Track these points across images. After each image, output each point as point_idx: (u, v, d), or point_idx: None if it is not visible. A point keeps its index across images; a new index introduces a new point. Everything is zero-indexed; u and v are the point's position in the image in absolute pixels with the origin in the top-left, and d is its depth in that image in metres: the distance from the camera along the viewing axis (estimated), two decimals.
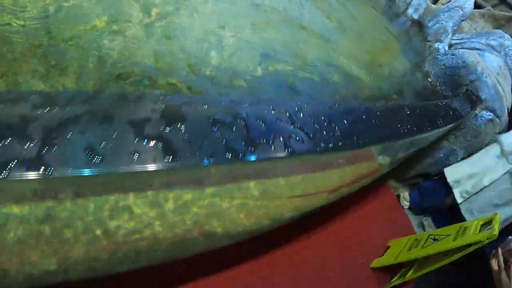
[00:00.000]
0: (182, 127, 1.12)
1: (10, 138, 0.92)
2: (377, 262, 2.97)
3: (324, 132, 1.51)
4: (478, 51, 5.16)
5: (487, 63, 4.53)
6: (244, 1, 2.79)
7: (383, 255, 3.03)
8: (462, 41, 4.64)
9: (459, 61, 3.72)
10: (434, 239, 2.80)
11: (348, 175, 2.31)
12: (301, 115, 1.48)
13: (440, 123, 2.69)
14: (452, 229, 2.72)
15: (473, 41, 5.38)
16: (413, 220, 3.72)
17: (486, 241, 2.34)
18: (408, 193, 3.90)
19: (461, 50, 3.82)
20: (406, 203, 3.84)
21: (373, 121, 1.90)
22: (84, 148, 0.99)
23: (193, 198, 1.33)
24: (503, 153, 3.29)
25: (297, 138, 1.38)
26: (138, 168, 1.02)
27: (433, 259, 2.71)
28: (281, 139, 1.32)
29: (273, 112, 1.38)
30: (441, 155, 3.74)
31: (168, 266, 1.76)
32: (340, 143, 1.55)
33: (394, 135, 2.07)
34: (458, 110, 3.09)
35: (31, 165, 0.92)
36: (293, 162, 1.51)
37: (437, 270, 2.65)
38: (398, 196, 3.91)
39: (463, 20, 6.23)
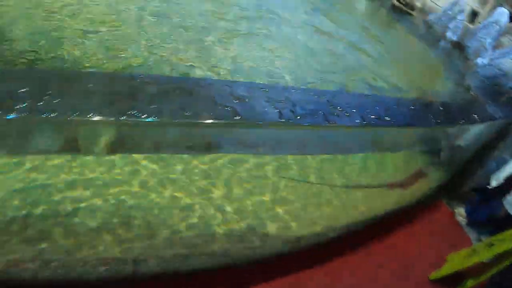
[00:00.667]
0: None
1: None
2: (435, 274, 2.93)
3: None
4: None
5: None
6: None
7: (441, 268, 2.98)
8: (502, 54, 4.62)
9: (497, 71, 3.72)
10: (490, 245, 2.76)
11: None
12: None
13: (468, 120, 2.73)
14: (507, 234, 2.68)
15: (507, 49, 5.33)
16: (472, 235, 3.63)
17: None
18: (464, 208, 3.82)
19: (498, 61, 3.81)
20: (462, 219, 3.76)
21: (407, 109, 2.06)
22: None
23: None
24: None
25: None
26: None
27: (490, 266, 2.68)
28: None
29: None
30: (493, 166, 3.67)
31: None
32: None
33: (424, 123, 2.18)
34: (492, 114, 3.10)
35: None
36: None
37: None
38: (454, 212, 3.84)
39: (501, 35, 6.22)
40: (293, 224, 2.74)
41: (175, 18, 4.42)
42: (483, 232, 3.70)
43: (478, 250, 2.84)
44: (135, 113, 1.33)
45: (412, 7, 7.86)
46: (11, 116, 1.18)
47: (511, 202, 3.26)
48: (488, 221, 3.66)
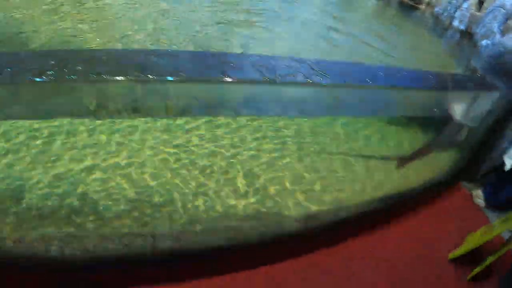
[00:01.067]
0: None
1: None
2: (454, 254, 2.93)
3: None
4: None
5: None
6: None
7: (459, 247, 2.98)
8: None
9: (501, 49, 3.70)
10: (507, 219, 2.76)
11: None
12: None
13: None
14: None
15: None
16: (491, 218, 3.59)
17: None
18: (481, 190, 3.78)
19: (502, 39, 3.81)
20: (480, 201, 3.72)
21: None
22: None
23: None
24: None
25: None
26: None
27: (508, 242, 2.69)
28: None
29: None
30: (506, 145, 3.64)
31: None
32: None
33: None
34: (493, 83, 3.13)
35: None
36: None
37: None
38: (471, 195, 3.81)
39: (509, 19, 6.17)
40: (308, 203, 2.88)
41: None
42: (502, 214, 3.66)
43: (495, 226, 2.84)
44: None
45: (419, 1, 7.89)
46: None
47: None
48: (508, 203, 3.62)
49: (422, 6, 7.89)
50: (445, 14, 6.94)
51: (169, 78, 1.58)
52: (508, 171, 3.52)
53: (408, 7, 7.81)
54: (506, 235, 2.95)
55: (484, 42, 4.46)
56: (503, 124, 3.71)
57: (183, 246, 2.45)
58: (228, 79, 1.69)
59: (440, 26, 6.92)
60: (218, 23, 5.27)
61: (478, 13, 6.93)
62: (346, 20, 6.30)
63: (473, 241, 2.90)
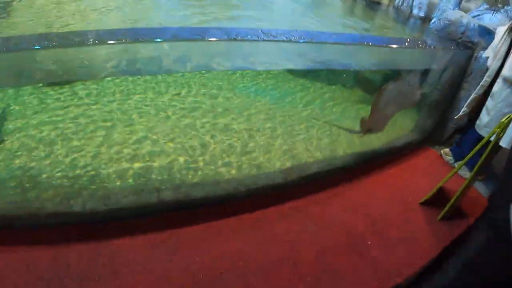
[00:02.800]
0: None
1: None
2: (424, 198, 3.34)
3: None
4: (478, 16, 5.57)
5: (486, 20, 4.99)
6: None
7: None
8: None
9: (445, 22, 4.16)
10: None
11: None
12: None
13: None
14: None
15: (473, 12, 5.81)
16: (461, 172, 3.97)
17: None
18: (449, 148, 4.19)
19: (445, 14, 4.26)
20: (449, 158, 4.12)
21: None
22: None
23: None
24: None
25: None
26: None
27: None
28: None
29: None
30: (464, 103, 4.06)
31: None
32: None
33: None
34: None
35: None
36: None
37: None
38: (441, 155, 4.22)
39: (461, 0, 6.67)
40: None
41: None
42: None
43: (457, 167, 3.25)
44: None
45: None
46: None
47: (480, 126, 3.64)
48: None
49: (385, 1, 8.39)
50: (405, 4, 7.45)
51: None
52: (467, 127, 3.94)
53: (372, 3, 8.31)
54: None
55: (434, 20, 4.91)
56: (457, 86, 4.16)
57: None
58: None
59: (402, 16, 7.41)
60: None
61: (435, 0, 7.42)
62: (317, 16, 6.77)
63: (439, 184, 3.31)
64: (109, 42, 1.98)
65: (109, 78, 4.03)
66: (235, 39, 2.22)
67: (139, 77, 4.23)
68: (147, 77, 4.31)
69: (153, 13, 5.50)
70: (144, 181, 2.90)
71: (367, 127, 3.44)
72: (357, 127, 3.57)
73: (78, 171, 2.91)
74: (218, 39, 2.19)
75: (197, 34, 2.20)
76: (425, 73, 3.93)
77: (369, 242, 2.79)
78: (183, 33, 2.24)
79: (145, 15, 5.31)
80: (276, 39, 2.31)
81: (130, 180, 2.92)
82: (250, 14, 6.39)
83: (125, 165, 3.07)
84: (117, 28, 2.21)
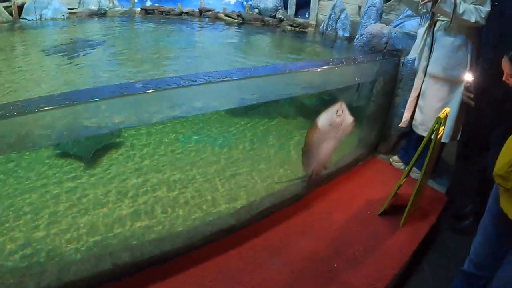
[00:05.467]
0: None
1: None
2: (382, 209, 3.31)
3: None
4: (399, 24, 5.81)
5: (408, 26, 5.22)
6: None
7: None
8: None
9: (367, 36, 4.28)
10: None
11: None
12: None
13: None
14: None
15: (394, 22, 6.08)
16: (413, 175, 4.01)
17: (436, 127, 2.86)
18: (397, 155, 4.23)
19: (366, 29, 4.39)
20: (399, 164, 4.16)
21: None
22: None
23: None
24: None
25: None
26: None
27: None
28: None
29: None
30: (402, 110, 4.14)
31: None
32: None
33: None
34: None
35: None
36: None
37: None
38: (390, 162, 4.26)
39: (387, 14, 7.01)
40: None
41: None
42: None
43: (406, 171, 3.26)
44: None
45: (304, 26, 8.68)
46: None
47: (416, 125, 3.72)
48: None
49: (311, 29, 8.67)
50: (329, 28, 7.71)
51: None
52: (410, 131, 4.01)
53: (299, 33, 8.55)
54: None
55: (356, 37, 5.10)
56: (391, 94, 4.25)
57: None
58: None
59: (328, 40, 7.66)
60: None
61: (358, 18, 7.73)
62: (249, 56, 6.87)
63: (393, 191, 3.30)
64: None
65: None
66: (155, 90, 2.15)
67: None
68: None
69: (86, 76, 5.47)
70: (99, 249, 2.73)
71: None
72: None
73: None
74: (137, 92, 2.11)
75: (115, 91, 2.10)
76: (356, 89, 4.01)
77: (335, 265, 2.70)
78: (101, 92, 2.12)
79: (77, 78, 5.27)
80: (195, 83, 2.26)
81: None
82: (185, 62, 6.46)
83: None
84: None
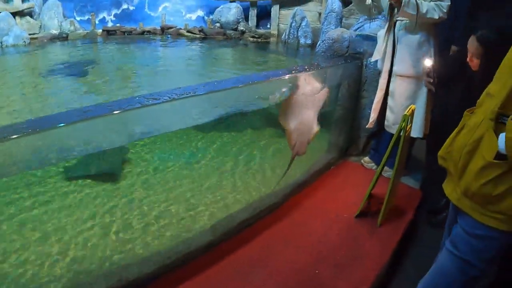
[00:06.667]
0: None
1: None
2: (357, 211, 3.33)
3: None
4: (359, 28, 5.92)
5: (367, 29, 5.32)
6: None
7: None
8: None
9: (329, 41, 4.34)
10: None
11: None
12: None
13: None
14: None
15: (354, 26, 6.19)
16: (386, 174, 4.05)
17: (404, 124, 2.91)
18: (368, 156, 4.28)
19: (327, 34, 4.45)
20: (371, 165, 4.20)
21: None
22: None
23: None
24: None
25: None
26: None
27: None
28: None
29: None
30: (369, 111, 4.19)
31: None
32: None
33: None
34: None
35: None
36: None
37: None
38: (362, 164, 4.30)
39: (346, 18, 7.13)
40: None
41: None
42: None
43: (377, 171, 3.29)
44: None
45: (266, 36, 8.74)
46: None
47: (389, 125, 3.78)
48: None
49: (273, 39, 8.73)
50: (291, 37, 7.79)
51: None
52: (379, 131, 4.06)
53: (262, 44, 8.60)
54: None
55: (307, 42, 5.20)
56: (357, 96, 4.30)
57: None
58: None
59: (291, 48, 7.73)
60: None
61: (319, 25, 7.83)
62: (213, 72, 6.85)
63: (367, 192, 3.33)
64: None
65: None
66: (120, 110, 2.10)
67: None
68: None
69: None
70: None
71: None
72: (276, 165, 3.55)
73: None
74: (99, 115, 2.06)
75: (78, 115, 2.04)
76: None
77: (317, 271, 2.69)
78: (65, 117, 2.05)
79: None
80: (159, 101, 2.23)
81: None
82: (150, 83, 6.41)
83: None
84: None
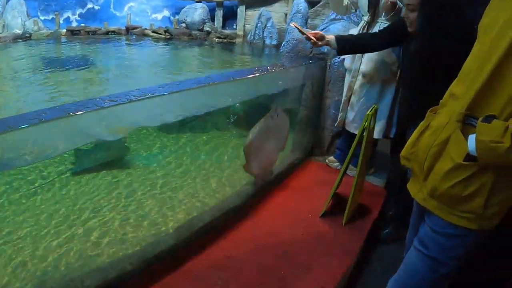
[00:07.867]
0: None
1: None
2: (322, 211, 3.33)
3: None
4: (324, 29, 5.93)
5: (333, 30, 5.33)
6: None
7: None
8: None
9: (293, 42, 4.34)
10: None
11: None
12: None
13: None
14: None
15: (320, 26, 6.19)
16: (351, 173, 4.07)
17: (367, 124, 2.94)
18: (333, 156, 4.30)
19: (291, 35, 4.45)
20: (336, 164, 4.23)
21: None
22: None
23: None
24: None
25: None
26: None
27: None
28: None
29: None
30: (333, 111, 4.21)
31: None
32: None
33: None
34: None
35: None
36: None
37: None
38: (327, 164, 4.32)
39: (312, 19, 7.14)
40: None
41: None
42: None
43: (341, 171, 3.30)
44: None
45: (232, 37, 8.69)
46: None
47: (348, 123, 3.81)
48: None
49: (239, 39, 8.70)
50: (257, 38, 7.77)
51: None
52: (343, 131, 4.08)
53: (227, 44, 8.56)
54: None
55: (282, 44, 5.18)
56: (321, 97, 4.32)
57: None
58: None
59: (257, 49, 7.72)
60: None
61: (285, 26, 7.84)
62: (178, 72, 6.75)
63: (332, 192, 3.34)
64: None
65: None
66: (73, 113, 2.02)
67: None
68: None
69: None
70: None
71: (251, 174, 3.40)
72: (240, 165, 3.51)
73: None
74: (56, 117, 1.96)
75: (33, 119, 1.93)
76: (285, 94, 4.03)
77: (282, 272, 2.67)
78: (18, 121, 1.94)
79: None
80: (115, 103, 2.16)
81: None
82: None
83: None
84: None
